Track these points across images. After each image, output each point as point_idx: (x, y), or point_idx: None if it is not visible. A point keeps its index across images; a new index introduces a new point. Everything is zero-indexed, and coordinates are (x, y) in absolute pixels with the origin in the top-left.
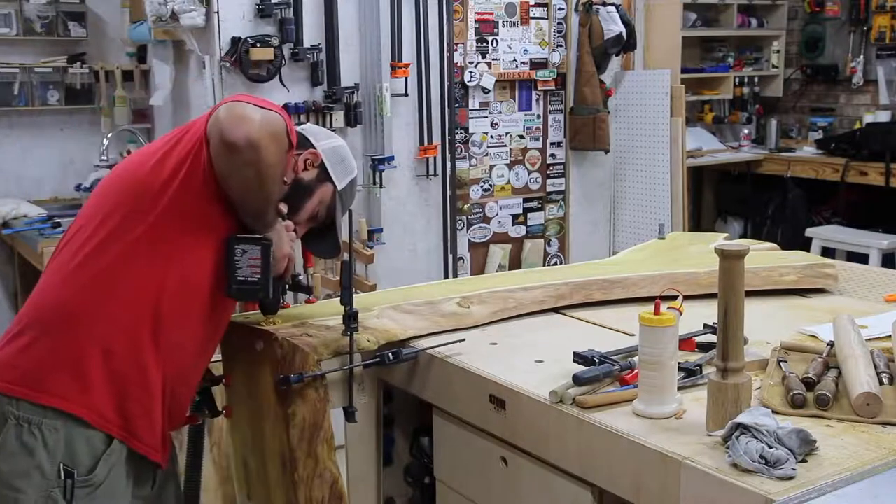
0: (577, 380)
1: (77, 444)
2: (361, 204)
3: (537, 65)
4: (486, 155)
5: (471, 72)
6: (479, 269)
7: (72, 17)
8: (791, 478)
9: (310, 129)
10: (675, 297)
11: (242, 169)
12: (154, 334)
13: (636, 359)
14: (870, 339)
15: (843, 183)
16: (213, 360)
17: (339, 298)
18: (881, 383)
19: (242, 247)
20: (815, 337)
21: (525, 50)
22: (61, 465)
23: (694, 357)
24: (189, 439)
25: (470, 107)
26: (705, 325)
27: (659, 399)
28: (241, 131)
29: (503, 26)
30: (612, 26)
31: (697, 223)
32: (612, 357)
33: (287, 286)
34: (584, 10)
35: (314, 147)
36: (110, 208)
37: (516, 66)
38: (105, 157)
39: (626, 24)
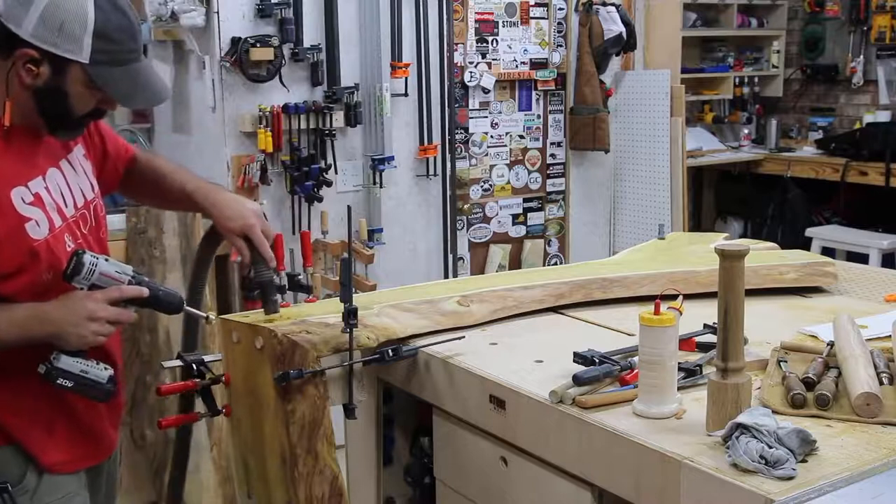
0: (577, 380)
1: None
2: (361, 204)
3: (537, 65)
4: (486, 155)
5: (471, 72)
6: (479, 269)
7: None
8: (791, 478)
9: (12, 7)
10: (675, 297)
11: None
12: None
13: (636, 359)
14: (870, 339)
15: (843, 183)
16: (212, 358)
17: (338, 297)
18: (881, 383)
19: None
20: (815, 337)
21: (525, 50)
22: None
23: (694, 357)
24: (176, 438)
25: (470, 107)
26: (705, 325)
27: (659, 399)
28: None
29: (503, 26)
30: (612, 26)
31: (697, 223)
32: (612, 357)
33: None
34: (584, 10)
35: (22, 39)
36: None
37: (516, 66)
38: None
39: (626, 24)
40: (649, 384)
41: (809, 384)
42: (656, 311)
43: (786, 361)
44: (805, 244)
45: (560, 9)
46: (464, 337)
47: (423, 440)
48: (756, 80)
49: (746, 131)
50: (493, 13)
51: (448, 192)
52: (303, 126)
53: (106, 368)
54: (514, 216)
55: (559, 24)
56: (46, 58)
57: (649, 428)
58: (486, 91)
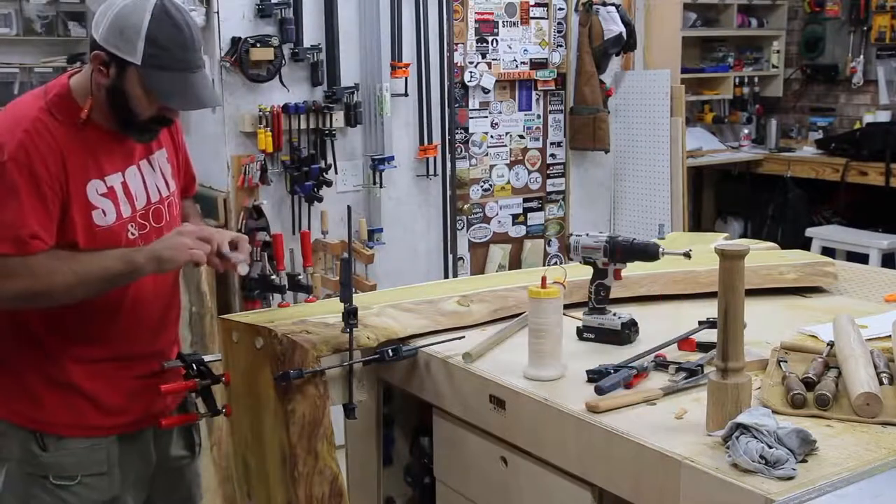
0: (601, 391)
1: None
2: (361, 204)
3: (537, 65)
4: (486, 155)
5: (471, 72)
6: (479, 269)
7: (72, 17)
8: (791, 478)
9: (98, 17)
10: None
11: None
12: None
13: (643, 361)
14: (870, 339)
15: (843, 183)
16: (212, 358)
17: (338, 297)
18: (881, 383)
19: None
20: (815, 337)
21: (525, 50)
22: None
23: (694, 357)
24: None
25: (470, 107)
26: (700, 323)
27: (548, 363)
28: None
29: (503, 26)
30: (612, 26)
31: (697, 223)
32: (624, 364)
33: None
34: (584, 10)
35: (98, 43)
36: None
37: (516, 66)
38: None
39: (626, 24)
40: (536, 350)
41: (809, 384)
42: (542, 285)
43: (786, 361)
44: (805, 244)
45: (560, 9)
46: (464, 337)
47: (423, 440)
48: (756, 80)
49: (746, 131)
50: (493, 13)
51: (448, 192)
52: (303, 126)
53: None
54: (514, 216)
55: (559, 24)
56: (113, 60)
57: (649, 428)
58: (486, 91)
